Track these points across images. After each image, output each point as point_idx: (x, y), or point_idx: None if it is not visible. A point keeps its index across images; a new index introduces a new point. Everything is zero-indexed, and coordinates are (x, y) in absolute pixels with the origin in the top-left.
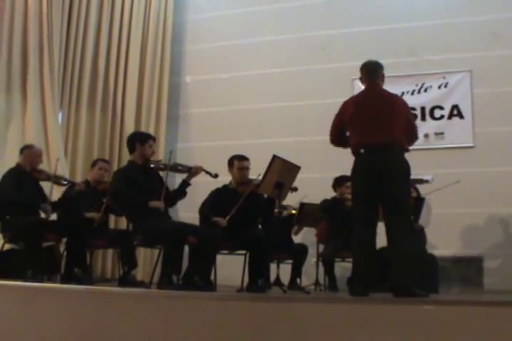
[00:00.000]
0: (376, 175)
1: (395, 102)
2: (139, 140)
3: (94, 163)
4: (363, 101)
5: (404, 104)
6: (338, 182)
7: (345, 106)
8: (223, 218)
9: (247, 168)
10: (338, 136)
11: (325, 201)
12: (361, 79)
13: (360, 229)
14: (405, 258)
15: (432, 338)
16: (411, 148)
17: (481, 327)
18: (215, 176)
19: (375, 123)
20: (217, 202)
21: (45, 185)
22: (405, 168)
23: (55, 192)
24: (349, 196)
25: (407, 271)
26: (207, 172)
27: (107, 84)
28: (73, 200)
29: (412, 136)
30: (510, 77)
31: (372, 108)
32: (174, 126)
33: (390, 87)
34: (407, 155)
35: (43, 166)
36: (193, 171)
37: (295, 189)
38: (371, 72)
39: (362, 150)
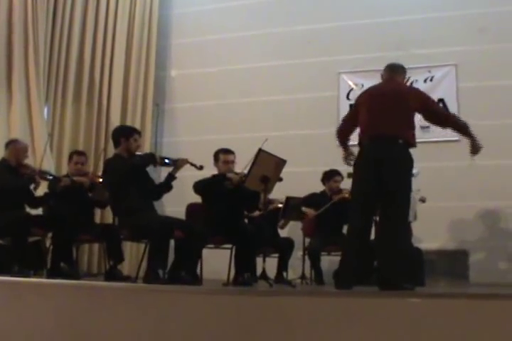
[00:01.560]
0: (377, 167)
1: (408, 95)
2: (124, 134)
3: (70, 157)
4: (376, 94)
5: (420, 94)
6: (327, 176)
7: (361, 96)
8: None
9: (232, 162)
10: (345, 127)
11: (313, 195)
12: (382, 75)
13: (356, 219)
14: (394, 252)
15: (418, 331)
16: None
17: (467, 319)
18: (200, 168)
19: (383, 114)
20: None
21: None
22: (407, 162)
23: (40, 187)
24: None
25: (394, 265)
26: (192, 165)
27: (92, 78)
28: (58, 196)
29: (437, 118)
30: (496, 71)
31: (382, 100)
32: (160, 121)
33: (376, 80)
34: None
35: (28, 161)
36: (178, 164)
37: (280, 179)
38: (393, 68)
39: (366, 142)
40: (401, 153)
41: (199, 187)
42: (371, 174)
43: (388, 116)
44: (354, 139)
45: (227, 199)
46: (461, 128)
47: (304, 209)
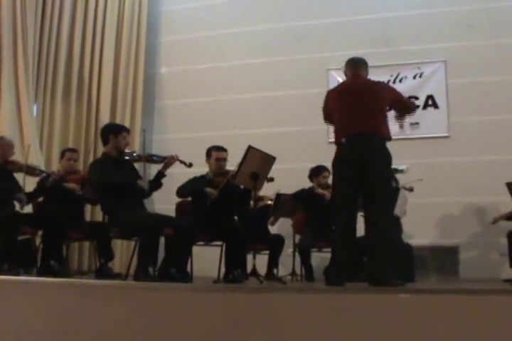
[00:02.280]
0: (357, 163)
1: (378, 90)
2: (113, 132)
3: (62, 154)
4: (345, 90)
5: (388, 89)
6: (315, 173)
7: (329, 95)
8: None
9: (224, 159)
10: (329, 115)
11: (302, 190)
12: (345, 72)
13: (340, 218)
14: (383, 248)
15: (408, 326)
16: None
17: (457, 315)
18: (190, 165)
19: (356, 111)
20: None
21: (19, 177)
22: (386, 156)
23: (30, 183)
24: (321, 190)
25: (384, 260)
26: (181, 162)
27: (81, 76)
28: (48, 191)
29: (407, 108)
30: (485, 68)
31: (353, 96)
32: (150, 118)
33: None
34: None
35: (17, 157)
36: (167, 161)
37: (271, 179)
38: (355, 64)
39: (343, 139)
40: (378, 149)
41: (180, 194)
42: (351, 171)
43: (361, 113)
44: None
45: (217, 197)
46: (410, 111)
47: (319, 190)
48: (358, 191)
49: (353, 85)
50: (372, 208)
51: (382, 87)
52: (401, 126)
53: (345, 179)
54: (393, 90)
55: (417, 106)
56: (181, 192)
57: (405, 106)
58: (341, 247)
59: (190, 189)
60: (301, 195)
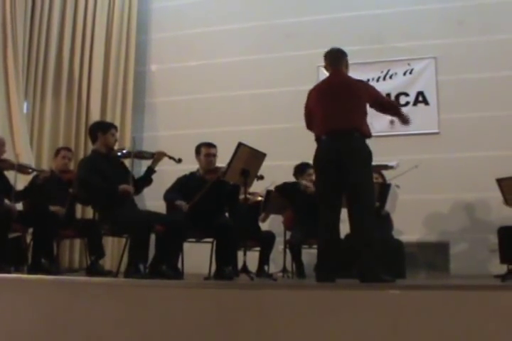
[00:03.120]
0: (337, 161)
1: (358, 88)
2: (101, 129)
3: (57, 152)
4: (325, 88)
5: (368, 88)
6: (299, 170)
7: (310, 94)
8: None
9: (214, 155)
10: (311, 122)
11: (284, 184)
12: (325, 67)
13: (323, 217)
14: (370, 245)
15: (398, 322)
16: (375, 134)
17: (448, 310)
18: (179, 161)
19: (336, 109)
20: (182, 188)
21: (10, 175)
22: (365, 154)
23: (20, 181)
24: (305, 182)
25: (372, 257)
26: (170, 158)
27: (72, 73)
28: (39, 189)
29: (388, 109)
30: (475, 64)
31: (333, 94)
32: (140, 115)
33: (355, 73)
34: (373, 141)
35: (7, 155)
36: (156, 157)
37: (261, 177)
38: (334, 59)
39: (323, 137)
40: (358, 146)
41: (164, 199)
42: (331, 169)
43: (341, 110)
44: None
45: (207, 194)
46: (397, 109)
47: (303, 182)
48: (339, 189)
49: (333, 83)
50: (354, 205)
51: (361, 86)
52: (392, 122)
53: (325, 177)
54: (372, 89)
55: (401, 105)
56: (164, 198)
57: (386, 106)
58: (325, 245)
59: (165, 199)
60: (283, 188)
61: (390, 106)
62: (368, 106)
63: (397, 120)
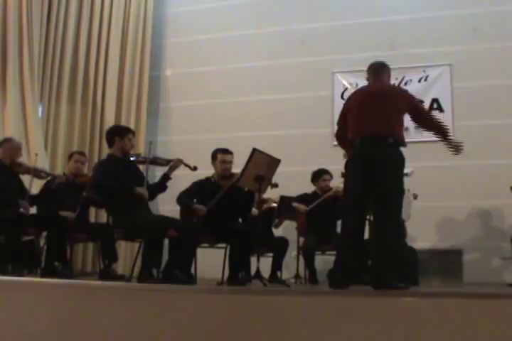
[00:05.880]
0: (369, 165)
1: (397, 96)
2: (118, 133)
3: (70, 156)
4: (363, 93)
5: (406, 95)
6: (316, 176)
7: (349, 97)
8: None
9: (230, 162)
10: (343, 129)
11: (305, 195)
12: (367, 79)
13: (349, 218)
14: (389, 251)
15: (412, 330)
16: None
17: (461, 318)
18: (194, 169)
19: (372, 114)
20: (197, 192)
21: (26, 179)
22: (398, 159)
23: (35, 186)
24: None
25: (388, 263)
26: (186, 165)
27: (87, 77)
28: (52, 194)
29: (433, 123)
30: (490, 71)
31: (370, 99)
32: (154, 120)
33: None
34: None
35: (22, 159)
36: (172, 165)
37: (275, 185)
38: (376, 69)
39: (357, 141)
40: (392, 153)
41: (178, 203)
42: (363, 174)
43: (377, 116)
44: None
45: (222, 199)
46: (443, 131)
47: (294, 204)
48: (368, 192)
49: (372, 89)
50: (381, 212)
51: (402, 94)
52: (406, 129)
53: (357, 179)
54: (411, 98)
55: (445, 127)
56: (178, 202)
57: (420, 116)
58: (347, 247)
59: (182, 203)
60: (303, 200)
61: (432, 122)
62: (409, 118)
63: (446, 146)
